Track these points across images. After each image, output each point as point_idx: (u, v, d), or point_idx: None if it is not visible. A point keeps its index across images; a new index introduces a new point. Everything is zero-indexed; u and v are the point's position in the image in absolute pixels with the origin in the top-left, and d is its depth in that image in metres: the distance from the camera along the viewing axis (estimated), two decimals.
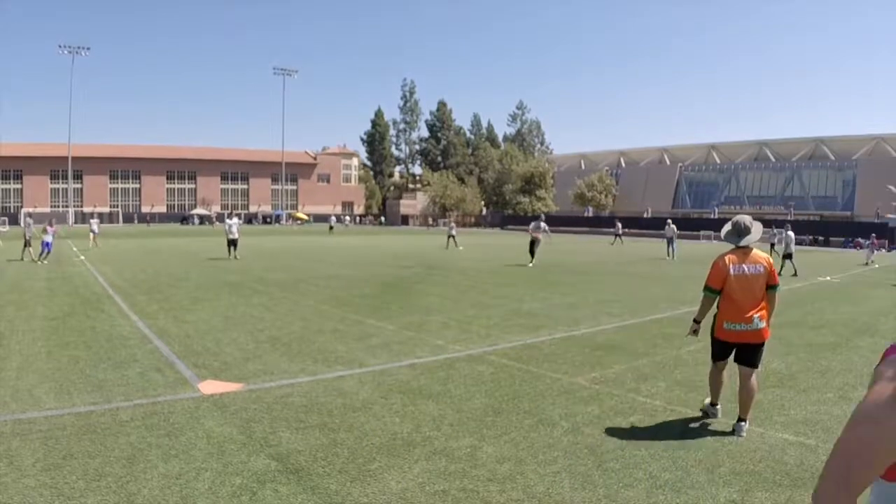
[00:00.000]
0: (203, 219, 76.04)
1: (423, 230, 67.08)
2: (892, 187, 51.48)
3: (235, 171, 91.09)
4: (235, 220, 22.65)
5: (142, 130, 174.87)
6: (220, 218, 68.88)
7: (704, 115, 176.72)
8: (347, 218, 65.59)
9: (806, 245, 41.45)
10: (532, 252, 20.23)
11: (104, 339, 7.57)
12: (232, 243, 21.50)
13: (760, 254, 4.58)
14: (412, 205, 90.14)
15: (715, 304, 4.68)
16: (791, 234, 19.36)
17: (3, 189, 78.11)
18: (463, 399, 5.31)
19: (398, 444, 4.24)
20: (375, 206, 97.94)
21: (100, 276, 14.89)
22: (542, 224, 21.27)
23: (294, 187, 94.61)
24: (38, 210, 75.09)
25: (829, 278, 18.02)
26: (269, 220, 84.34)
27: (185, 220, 76.16)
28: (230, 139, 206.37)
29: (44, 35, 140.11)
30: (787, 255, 18.72)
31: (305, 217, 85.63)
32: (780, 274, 18.80)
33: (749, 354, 4.54)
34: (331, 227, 51.86)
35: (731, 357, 4.67)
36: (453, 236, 30.56)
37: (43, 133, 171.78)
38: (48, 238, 19.16)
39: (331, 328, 8.51)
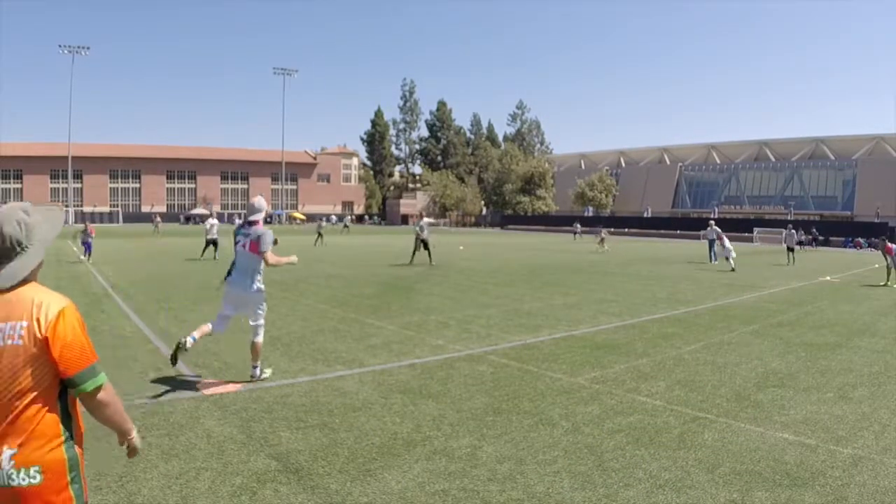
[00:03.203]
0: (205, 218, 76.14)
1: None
2: None
3: (235, 170, 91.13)
4: (215, 220, 22.15)
5: (142, 130, 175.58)
6: (221, 217, 68.96)
7: (704, 114, 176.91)
8: (334, 217, 64.33)
9: (812, 245, 41.42)
10: (414, 252, 19.78)
11: (104, 338, 7.56)
12: (211, 243, 21.15)
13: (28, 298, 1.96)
14: (412, 204, 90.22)
15: None
16: (794, 231, 25.47)
17: (3, 189, 78.11)
18: (463, 399, 5.31)
19: (398, 444, 4.24)
20: (375, 205, 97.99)
21: (99, 275, 14.89)
22: (424, 221, 20.36)
23: (294, 187, 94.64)
24: None
25: (829, 278, 18.02)
26: (268, 219, 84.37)
27: (188, 219, 76.15)
28: (230, 139, 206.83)
29: (44, 35, 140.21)
30: (790, 249, 24.23)
31: (303, 217, 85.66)
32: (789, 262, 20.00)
33: None
34: (346, 226, 51.86)
35: None
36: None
37: (43, 133, 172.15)
38: (89, 240, 20.36)
39: (331, 328, 8.51)
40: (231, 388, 5.51)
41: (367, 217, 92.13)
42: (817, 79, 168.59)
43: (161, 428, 4.42)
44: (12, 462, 1.83)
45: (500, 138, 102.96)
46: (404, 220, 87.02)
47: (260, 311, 5.72)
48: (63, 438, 1.93)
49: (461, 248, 30.58)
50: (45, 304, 1.90)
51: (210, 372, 6.06)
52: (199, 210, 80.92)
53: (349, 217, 59.43)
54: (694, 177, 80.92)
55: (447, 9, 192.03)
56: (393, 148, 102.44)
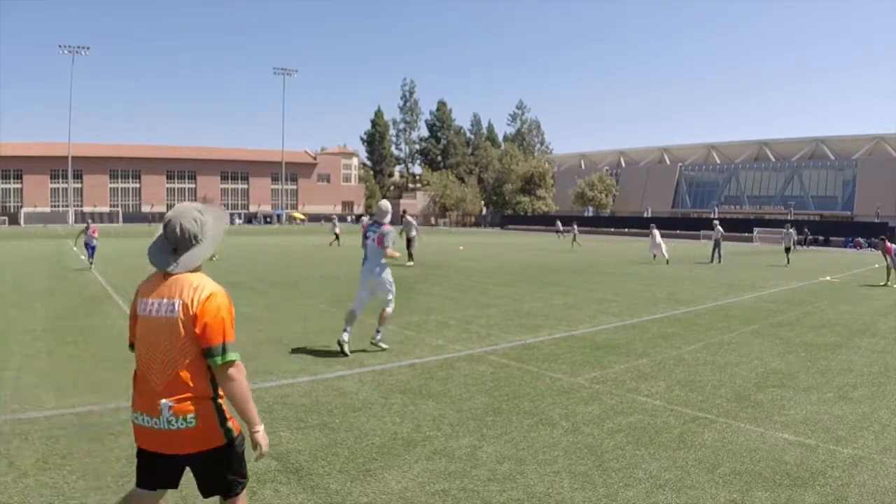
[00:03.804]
0: None
1: (424, 229, 66.95)
2: None
3: (235, 170, 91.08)
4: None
5: (142, 130, 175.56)
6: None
7: (704, 114, 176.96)
8: (335, 217, 62.89)
9: (805, 246, 41.33)
10: (409, 252, 19.65)
11: (104, 338, 7.56)
12: None
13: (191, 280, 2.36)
14: (412, 204, 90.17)
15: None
16: (792, 231, 25.55)
17: (3, 189, 78.09)
18: (463, 399, 5.31)
19: (398, 444, 4.24)
20: (375, 205, 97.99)
21: (100, 276, 14.88)
22: (410, 219, 20.39)
23: (294, 187, 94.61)
24: (39, 210, 75.20)
25: (829, 278, 18.03)
26: (269, 219, 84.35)
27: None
28: (230, 139, 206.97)
29: (44, 35, 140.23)
30: (787, 249, 24.31)
31: (303, 217, 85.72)
32: (787, 264, 20.73)
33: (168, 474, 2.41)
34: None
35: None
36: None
37: (43, 133, 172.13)
38: (93, 242, 17.17)
39: (331, 328, 8.49)
40: None
41: (368, 217, 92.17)
42: (817, 79, 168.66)
43: None
44: (171, 411, 2.24)
45: (500, 138, 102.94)
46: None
47: (389, 288, 7.18)
48: (211, 395, 2.31)
49: (461, 248, 30.58)
50: (200, 287, 2.32)
51: None
52: None
53: (366, 217, 57.95)
54: (694, 177, 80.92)
55: (447, 9, 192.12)
56: (393, 148, 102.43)
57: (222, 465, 2.36)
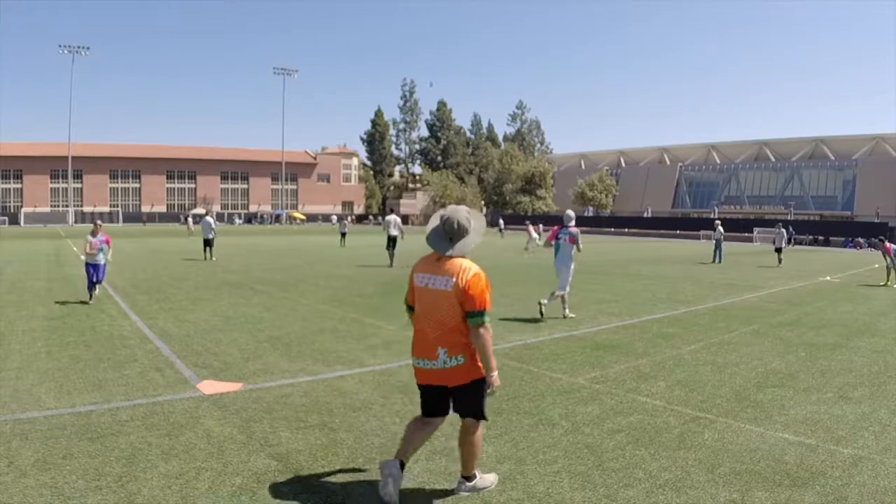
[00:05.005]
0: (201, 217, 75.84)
1: (423, 230, 66.94)
2: None
3: (235, 170, 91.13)
4: (210, 218, 21.41)
5: (142, 130, 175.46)
6: (221, 217, 68.71)
7: (704, 114, 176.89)
8: (334, 217, 60.48)
9: (806, 245, 41.31)
10: (390, 254, 18.88)
11: (104, 338, 7.56)
12: (207, 243, 20.53)
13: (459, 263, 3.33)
14: (412, 204, 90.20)
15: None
16: (783, 231, 24.48)
17: (3, 189, 78.10)
18: None
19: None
20: (375, 205, 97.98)
21: None
22: (392, 218, 19.58)
23: (294, 187, 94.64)
24: (39, 210, 75.20)
25: (829, 278, 18.02)
26: (275, 220, 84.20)
27: (188, 219, 76.03)
28: (230, 139, 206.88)
29: (44, 35, 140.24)
30: (778, 250, 23.59)
31: (303, 217, 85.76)
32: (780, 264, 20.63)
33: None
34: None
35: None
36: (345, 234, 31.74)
37: (43, 133, 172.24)
38: (99, 258, 10.78)
39: (331, 328, 8.50)
40: (231, 387, 5.50)
41: (369, 217, 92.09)
42: (817, 79, 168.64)
43: (161, 428, 4.42)
44: (446, 354, 3.23)
45: (500, 138, 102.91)
46: (405, 220, 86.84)
47: (570, 278, 9.59)
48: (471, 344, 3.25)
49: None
50: (468, 269, 3.26)
51: (210, 372, 6.06)
52: (199, 210, 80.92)
53: (392, 216, 56.15)
54: (694, 177, 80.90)
55: (447, 8, 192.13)
56: (393, 148, 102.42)
57: (478, 393, 3.30)
